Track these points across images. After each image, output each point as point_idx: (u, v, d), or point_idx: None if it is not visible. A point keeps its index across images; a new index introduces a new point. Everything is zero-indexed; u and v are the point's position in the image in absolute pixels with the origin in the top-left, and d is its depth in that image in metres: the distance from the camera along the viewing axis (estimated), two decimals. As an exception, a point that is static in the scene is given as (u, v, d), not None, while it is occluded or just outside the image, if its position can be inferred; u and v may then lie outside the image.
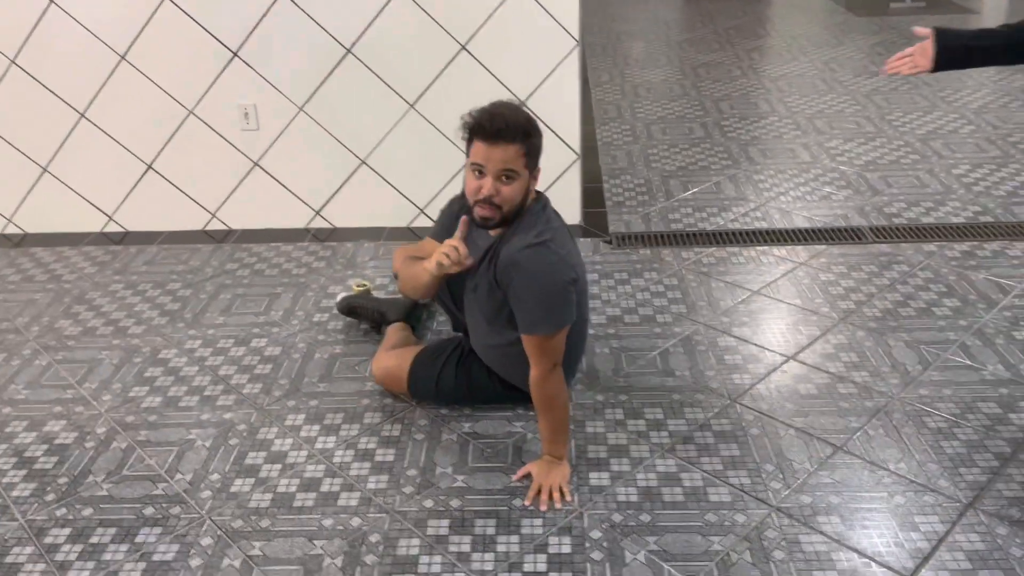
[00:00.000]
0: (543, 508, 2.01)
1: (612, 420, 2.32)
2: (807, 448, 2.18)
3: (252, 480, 2.16)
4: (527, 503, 2.03)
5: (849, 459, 2.13)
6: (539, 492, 2.04)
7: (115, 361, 2.70)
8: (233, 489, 2.13)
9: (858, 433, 2.22)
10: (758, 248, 3.24)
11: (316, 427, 2.35)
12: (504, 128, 1.91)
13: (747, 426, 2.27)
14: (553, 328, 2.01)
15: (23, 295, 3.13)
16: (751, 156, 4.15)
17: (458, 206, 2.23)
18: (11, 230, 3.61)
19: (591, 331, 2.74)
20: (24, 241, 3.56)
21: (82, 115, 3.36)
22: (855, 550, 1.86)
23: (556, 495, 2.03)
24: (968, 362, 2.50)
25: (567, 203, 3.42)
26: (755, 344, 2.64)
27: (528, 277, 1.99)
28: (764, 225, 3.44)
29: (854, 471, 2.09)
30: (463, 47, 3.17)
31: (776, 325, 2.75)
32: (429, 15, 3.12)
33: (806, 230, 3.37)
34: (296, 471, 2.19)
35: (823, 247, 3.22)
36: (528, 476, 2.10)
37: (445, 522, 2.00)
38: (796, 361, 2.54)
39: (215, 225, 3.58)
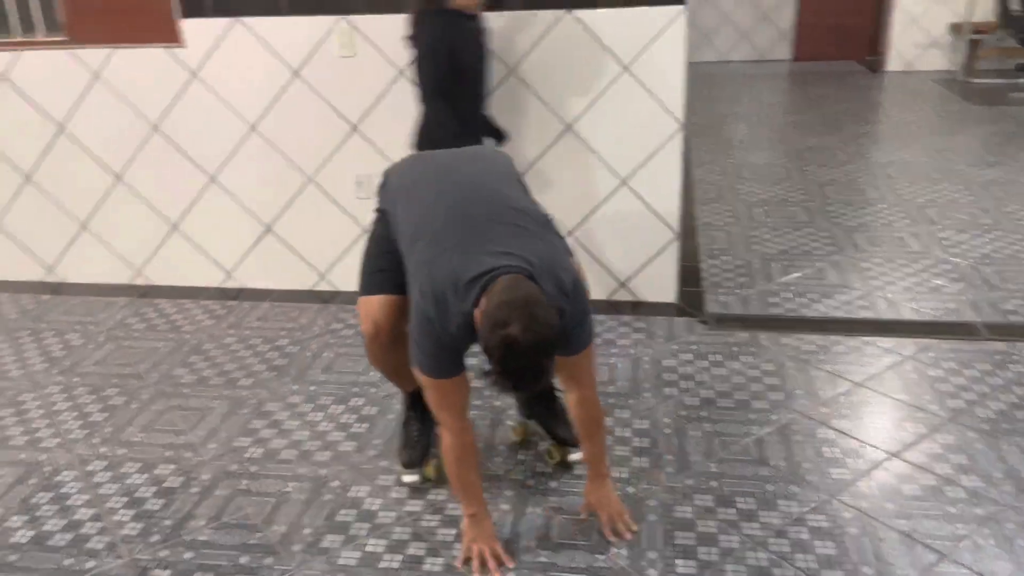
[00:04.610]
0: (613, 537, 2.15)
1: (702, 507, 2.28)
2: (910, 553, 2.08)
3: (342, 537, 2.22)
4: (609, 537, 2.16)
5: (955, 569, 2.02)
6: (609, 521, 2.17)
7: (224, 411, 2.84)
8: (323, 544, 2.19)
9: (965, 541, 2.10)
10: (862, 338, 3.14)
11: (405, 489, 2.40)
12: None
13: (845, 524, 2.18)
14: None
15: (146, 343, 3.35)
16: (857, 243, 4.07)
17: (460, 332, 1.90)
18: (140, 281, 3.88)
19: (683, 412, 2.72)
20: (150, 292, 3.82)
21: (212, 178, 3.62)
22: (960, 668, 1.75)
23: (623, 529, 2.16)
24: (1091, 474, 2.34)
25: (664, 281, 3.45)
26: (856, 438, 2.55)
27: (577, 296, 1.96)
28: (869, 314, 3.34)
29: (961, 582, 1.98)
30: (568, 127, 3.28)
31: (879, 420, 2.65)
32: (538, 96, 3.25)
33: (914, 322, 3.26)
34: (384, 531, 2.24)
35: (932, 341, 3.10)
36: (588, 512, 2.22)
37: (527, 597, 1.99)
38: (900, 459, 2.44)
39: (324, 286, 3.75)
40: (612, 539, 2.15)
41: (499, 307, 1.72)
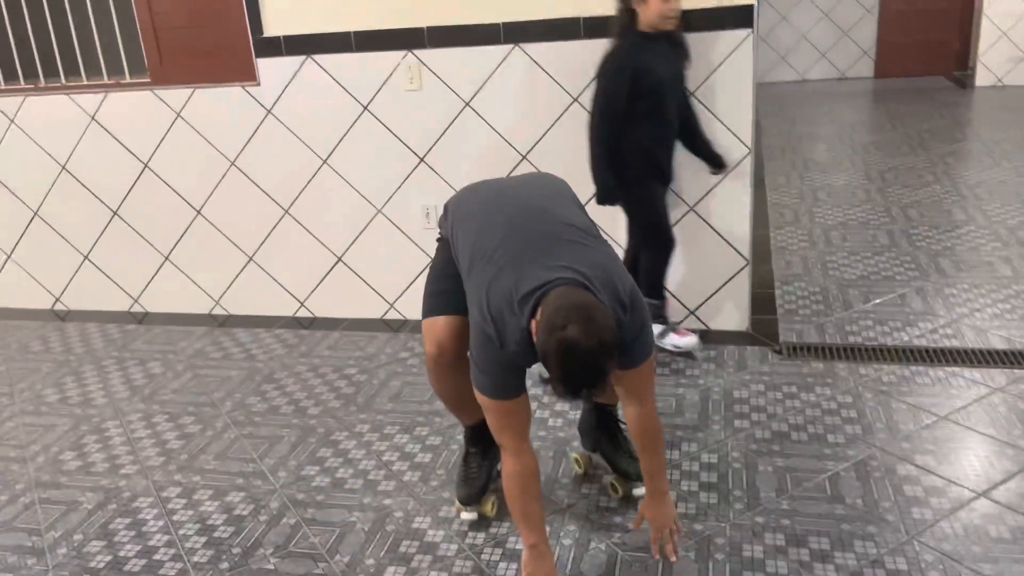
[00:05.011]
0: (659, 556, 2.11)
1: (772, 546, 2.19)
2: (998, 601, 1.94)
3: (404, 569, 2.22)
4: (655, 556, 2.11)
5: (1050, 620, 1.88)
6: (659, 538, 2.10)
7: (293, 439, 2.89)
8: (385, 576, 2.20)
9: (1062, 590, 1.96)
10: (947, 368, 2.99)
11: (467, 522, 2.38)
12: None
13: (926, 567, 2.06)
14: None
15: (222, 371, 3.45)
16: (942, 268, 3.88)
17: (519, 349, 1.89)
18: (217, 311, 4.02)
19: (753, 446, 2.63)
20: (227, 322, 3.94)
21: (286, 211, 3.73)
22: None
23: (670, 551, 2.08)
24: None
25: (735, 309, 3.37)
26: (940, 476, 2.41)
27: (635, 307, 1.94)
28: (955, 344, 3.18)
29: (1056, 635, 1.84)
30: (635, 154, 3.25)
31: (965, 456, 2.50)
32: (603, 124, 3.24)
33: (1005, 352, 3.08)
34: (445, 564, 2.23)
35: (1018, 372, 2.92)
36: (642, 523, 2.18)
37: (588, 637, 1.94)
38: (987, 499, 2.30)
39: (392, 315, 3.80)
40: (657, 557, 2.12)
41: (556, 312, 1.73)
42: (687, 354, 3.21)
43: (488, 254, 1.96)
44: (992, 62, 7.74)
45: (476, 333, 1.94)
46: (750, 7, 2.99)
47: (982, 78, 7.79)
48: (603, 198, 2.98)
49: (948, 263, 3.93)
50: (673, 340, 3.19)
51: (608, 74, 2.84)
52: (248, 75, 3.55)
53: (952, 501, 2.30)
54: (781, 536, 2.22)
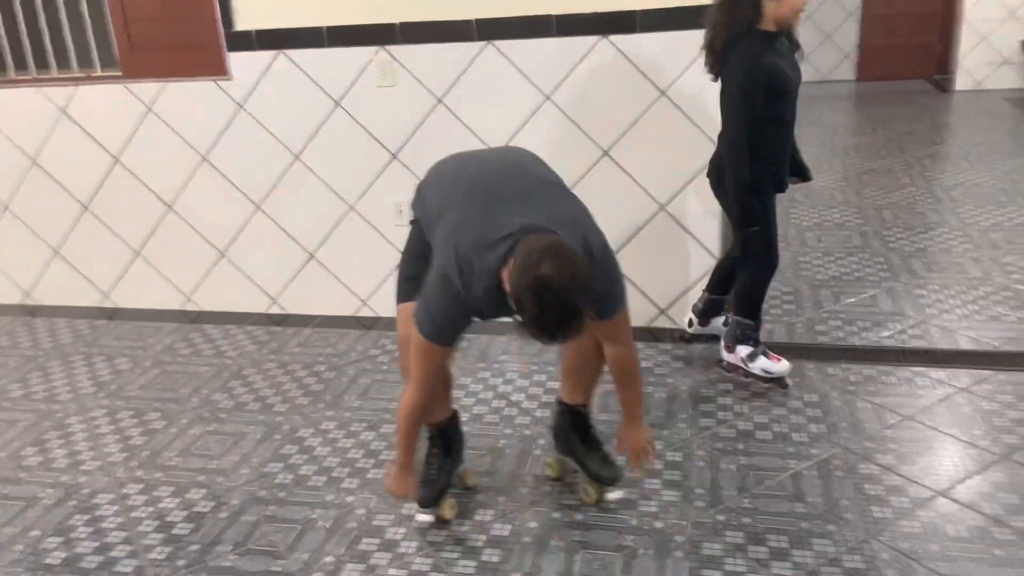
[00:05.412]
0: (637, 471, 2.36)
1: (732, 544, 2.19)
2: (952, 600, 1.95)
3: (363, 567, 2.21)
4: (636, 473, 2.40)
5: (1002, 618, 1.89)
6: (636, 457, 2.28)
7: (258, 436, 2.87)
8: (343, 574, 2.18)
9: (1015, 589, 1.97)
10: (913, 369, 3.00)
11: (429, 519, 2.37)
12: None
13: (882, 566, 2.07)
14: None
15: (190, 368, 3.43)
16: (913, 269, 3.90)
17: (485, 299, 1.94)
18: (189, 307, 3.98)
19: (719, 445, 2.63)
20: (199, 318, 3.91)
21: (258, 207, 3.71)
22: None
23: (645, 463, 2.31)
24: None
25: (705, 309, 3.36)
26: (900, 475, 2.42)
27: (605, 259, 2.01)
28: (923, 344, 3.19)
29: (1007, 633, 1.84)
30: (605, 153, 3.24)
31: (927, 456, 2.51)
32: (574, 122, 3.23)
33: (971, 352, 3.10)
34: (404, 562, 2.21)
35: (989, 372, 2.94)
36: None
37: (543, 634, 1.94)
38: (947, 498, 2.30)
39: (365, 312, 3.78)
40: (636, 472, 2.37)
41: (528, 254, 1.78)
42: (778, 380, 2.93)
43: (457, 205, 2.03)
44: (972, 66, 7.78)
45: (436, 277, 1.98)
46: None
47: (962, 82, 7.83)
48: (750, 218, 2.73)
49: (919, 264, 3.95)
50: (763, 364, 2.93)
51: (743, 77, 2.57)
52: (219, 69, 3.52)
53: (912, 500, 2.31)
54: (741, 534, 2.22)
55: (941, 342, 3.20)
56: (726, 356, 3.05)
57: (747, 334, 2.97)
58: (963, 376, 2.93)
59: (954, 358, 3.06)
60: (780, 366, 2.94)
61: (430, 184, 2.23)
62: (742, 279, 2.96)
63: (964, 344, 3.17)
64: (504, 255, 1.85)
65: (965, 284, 3.70)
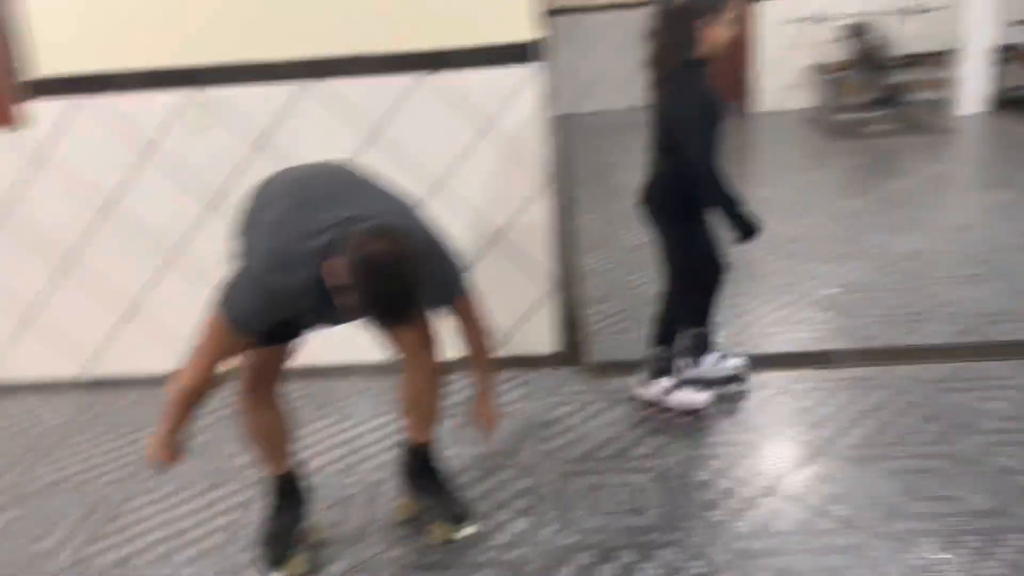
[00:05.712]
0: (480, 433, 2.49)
1: (584, 565, 2.24)
2: (785, 591, 2.08)
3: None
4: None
5: (828, 602, 2.03)
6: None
7: (79, 515, 2.63)
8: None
9: (835, 573, 2.13)
10: (737, 374, 3.21)
11: (276, 581, 2.26)
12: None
13: (722, 568, 2.18)
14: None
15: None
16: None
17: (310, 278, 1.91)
18: (-7, 378, 3.62)
19: (565, 467, 2.69)
20: (5, 391, 3.55)
21: (64, 260, 3.44)
22: None
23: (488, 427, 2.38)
24: (948, 493, 2.42)
25: (545, 333, 3.45)
26: (729, 478, 2.57)
27: (438, 243, 2.08)
28: (743, 350, 3.41)
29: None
30: (433, 188, 3.26)
31: (752, 457, 2.69)
32: (398, 161, 3.23)
33: (783, 354, 3.35)
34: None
35: (797, 372, 3.18)
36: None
37: None
38: (772, 495, 2.47)
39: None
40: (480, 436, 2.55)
41: (357, 240, 1.80)
42: (693, 413, 2.94)
43: (276, 204, 2.03)
44: (770, 89, 8.50)
45: (245, 273, 1.96)
46: (524, 45, 3.09)
47: (762, 104, 8.53)
48: (750, 229, 2.77)
49: (730, 275, 4.22)
50: (683, 398, 2.94)
51: (688, 107, 2.62)
52: (9, 119, 3.25)
53: (740, 501, 2.45)
54: (595, 553, 2.28)
55: (759, 347, 3.42)
56: (641, 392, 3.02)
57: (700, 344, 3.00)
58: (780, 378, 3.15)
59: (769, 361, 3.28)
60: (701, 398, 2.95)
61: (246, 204, 2.20)
62: (683, 297, 2.98)
63: (777, 347, 3.42)
64: (329, 241, 1.86)
65: (773, 292, 3.99)
